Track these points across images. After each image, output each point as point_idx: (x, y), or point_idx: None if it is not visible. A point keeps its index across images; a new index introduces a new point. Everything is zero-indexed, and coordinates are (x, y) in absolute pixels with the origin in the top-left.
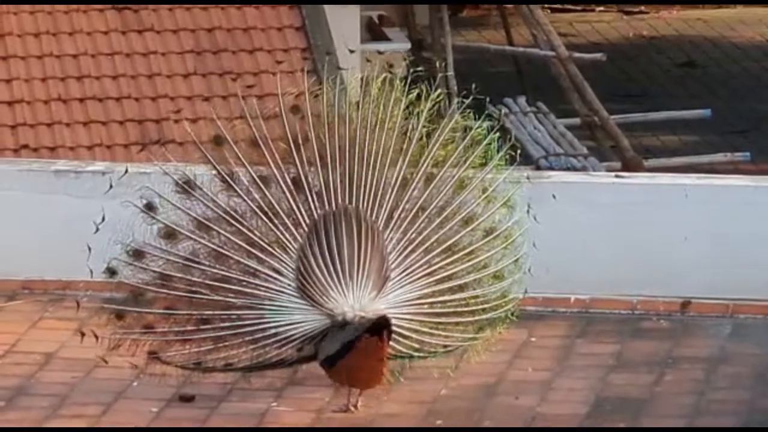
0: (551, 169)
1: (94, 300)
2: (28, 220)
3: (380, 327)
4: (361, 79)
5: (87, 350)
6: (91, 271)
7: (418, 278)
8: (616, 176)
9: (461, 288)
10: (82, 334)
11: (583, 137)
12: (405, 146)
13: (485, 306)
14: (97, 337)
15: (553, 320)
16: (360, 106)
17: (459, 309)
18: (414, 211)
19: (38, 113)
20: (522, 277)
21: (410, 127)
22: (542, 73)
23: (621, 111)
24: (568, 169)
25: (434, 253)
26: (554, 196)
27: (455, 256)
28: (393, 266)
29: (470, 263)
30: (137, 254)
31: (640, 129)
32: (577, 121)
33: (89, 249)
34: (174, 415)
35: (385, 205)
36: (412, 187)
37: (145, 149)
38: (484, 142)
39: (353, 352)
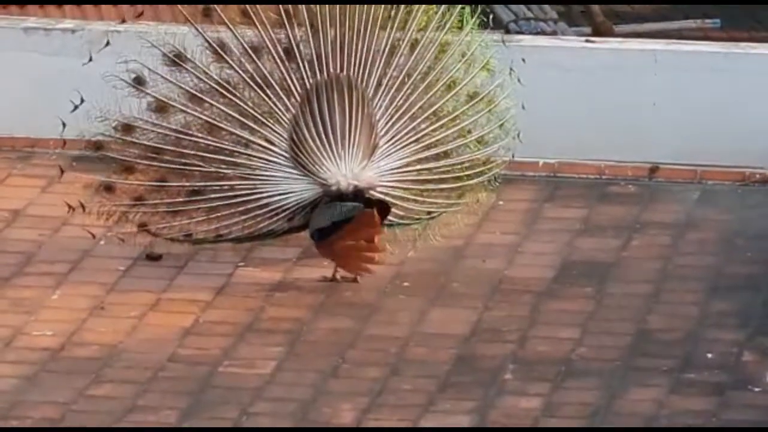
0: (521, 33)
1: (63, 158)
2: None
3: (380, 209)
4: None
5: (55, 208)
6: (64, 125)
7: (405, 145)
8: (586, 41)
9: (446, 154)
10: (71, 208)
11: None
12: (393, 13)
13: (470, 172)
14: (84, 208)
15: (522, 184)
16: None
17: (444, 176)
18: (400, 78)
19: None
20: (509, 142)
21: None
22: None
23: None
24: (537, 33)
25: (420, 119)
26: (523, 60)
27: (440, 122)
28: (381, 134)
29: (455, 129)
30: (126, 128)
31: None
32: None
33: (75, 105)
34: (141, 274)
35: (374, 73)
36: (399, 53)
37: (126, 21)
38: (459, 6)
39: (346, 228)
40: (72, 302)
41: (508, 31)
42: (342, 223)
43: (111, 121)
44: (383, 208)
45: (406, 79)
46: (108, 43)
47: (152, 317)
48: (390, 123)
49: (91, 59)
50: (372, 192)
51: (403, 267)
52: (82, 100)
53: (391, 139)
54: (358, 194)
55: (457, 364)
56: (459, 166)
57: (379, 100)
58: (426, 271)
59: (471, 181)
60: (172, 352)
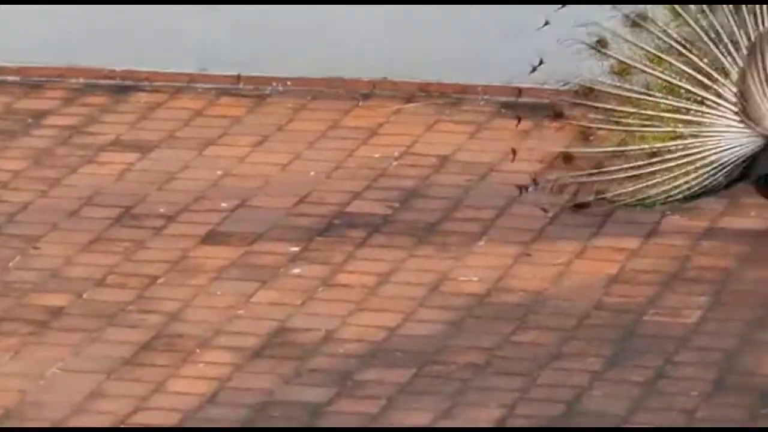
0: None
1: (491, 104)
2: (426, 23)
3: None
4: None
5: (483, 154)
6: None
7: None
8: None
9: None
10: (514, 152)
11: None
12: None
13: None
14: (514, 154)
15: None
16: None
17: None
18: None
19: None
20: None
21: None
22: None
23: None
24: None
25: None
26: None
27: None
28: None
29: None
30: (587, 92)
31: None
32: None
33: (533, 67)
34: (568, 221)
35: None
36: None
37: None
38: None
39: None
40: (498, 248)
41: None
42: None
43: (573, 85)
44: None
45: None
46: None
47: (578, 265)
48: None
49: (547, 23)
50: None
51: None
52: (541, 62)
53: None
54: None
55: None
56: None
57: None
58: None
59: None
60: (598, 299)
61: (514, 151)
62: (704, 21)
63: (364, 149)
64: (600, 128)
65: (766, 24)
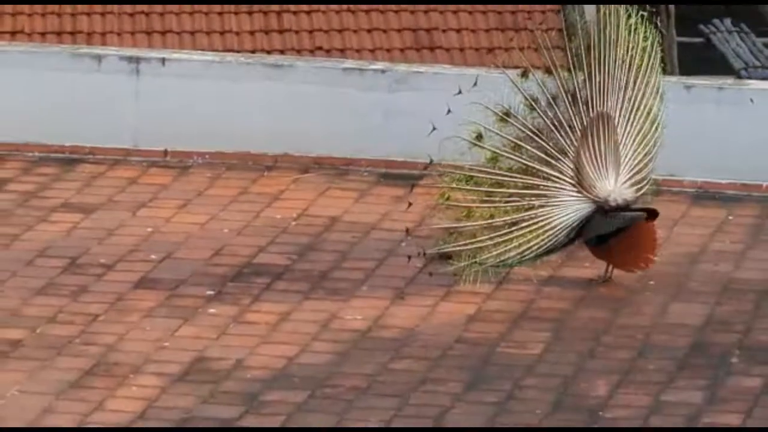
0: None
1: (372, 175)
2: (320, 107)
3: (653, 215)
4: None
5: (365, 215)
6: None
7: (629, 166)
8: None
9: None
10: (409, 204)
11: None
12: (629, 60)
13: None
14: (408, 233)
15: (748, 203)
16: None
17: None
18: (631, 109)
19: (331, 21)
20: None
21: (634, 45)
22: None
23: None
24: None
25: (634, 144)
26: (752, 101)
27: (644, 146)
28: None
29: (648, 151)
30: (468, 178)
31: None
32: None
33: (433, 128)
34: (435, 269)
35: (619, 107)
36: (629, 89)
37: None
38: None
39: (631, 232)
40: (378, 293)
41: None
42: (620, 230)
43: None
44: (655, 214)
45: (633, 112)
46: (476, 83)
47: (443, 306)
48: (624, 147)
49: (459, 92)
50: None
51: (648, 269)
52: (434, 128)
53: (625, 160)
54: (623, 207)
55: (693, 349)
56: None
57: (620, 128)
58: (667, 273)
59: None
60: (459, 334)
61: (409, 204)
62: (551, 112)
63: (268, 211)
64: (478, 207)
65: (595, 111)
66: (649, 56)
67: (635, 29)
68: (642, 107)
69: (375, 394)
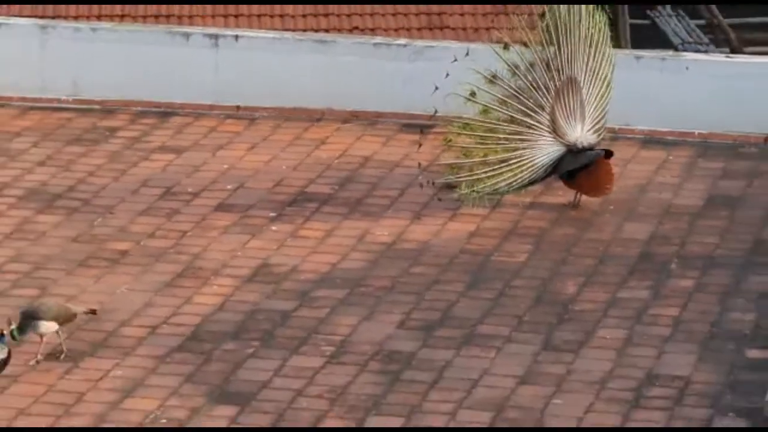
0: (685, 51)
1: (396, 125)
2: (356, 73)
3: (610, 154)
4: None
5: (390, 156)
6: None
7: (594, 117)
8: (727, 56)
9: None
10: (420, 145)
11: (705, 33)
12: (590, 36)
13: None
14: (419, 166)
15: (684, 146)
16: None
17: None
18: (592, 75)
19: (364, 7)
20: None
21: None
22: None
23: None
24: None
25: (594, 100)
26: (687, 68)
27: (601, 102)
28: (587, 110)
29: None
30: (466, 125)
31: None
32: (702, 21)
33: (435, 88)
34: (445, 199)
35: (583, 73)
36: (592, 58)
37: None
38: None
39: (593, 167)
40: (400, 215)
41: (676, 50)
42: (586, 165)
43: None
44: (610, 154)
45: (592, 76)
46: (455, 59)
47: (450, 225)
48: (587, 104)
49: (447, 75)
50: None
51: (607, 196)
52: (436, 88)
53: (588, 113)
54: (588, 148)
55: (641, 258)
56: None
57: (584, 89)
58: (622, 199)
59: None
60: (462, 246)
61: (419, 145)
62: (530, 76)
63: (316, 152)
64: (474, 147)
65: (564, 75)
66: (604, 34)
67: (593, 14)
68: (600, 73)
69: (398, 292)
